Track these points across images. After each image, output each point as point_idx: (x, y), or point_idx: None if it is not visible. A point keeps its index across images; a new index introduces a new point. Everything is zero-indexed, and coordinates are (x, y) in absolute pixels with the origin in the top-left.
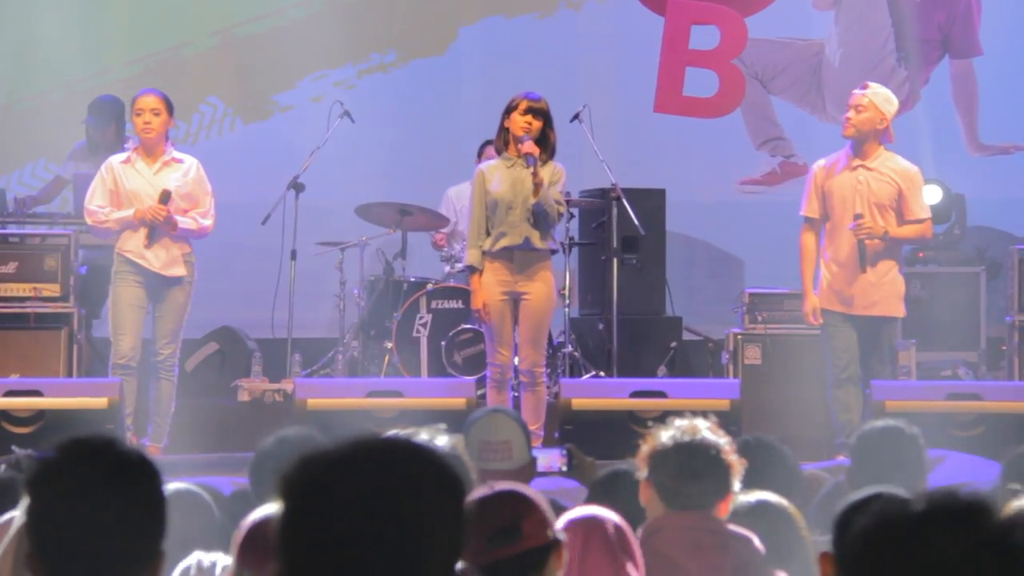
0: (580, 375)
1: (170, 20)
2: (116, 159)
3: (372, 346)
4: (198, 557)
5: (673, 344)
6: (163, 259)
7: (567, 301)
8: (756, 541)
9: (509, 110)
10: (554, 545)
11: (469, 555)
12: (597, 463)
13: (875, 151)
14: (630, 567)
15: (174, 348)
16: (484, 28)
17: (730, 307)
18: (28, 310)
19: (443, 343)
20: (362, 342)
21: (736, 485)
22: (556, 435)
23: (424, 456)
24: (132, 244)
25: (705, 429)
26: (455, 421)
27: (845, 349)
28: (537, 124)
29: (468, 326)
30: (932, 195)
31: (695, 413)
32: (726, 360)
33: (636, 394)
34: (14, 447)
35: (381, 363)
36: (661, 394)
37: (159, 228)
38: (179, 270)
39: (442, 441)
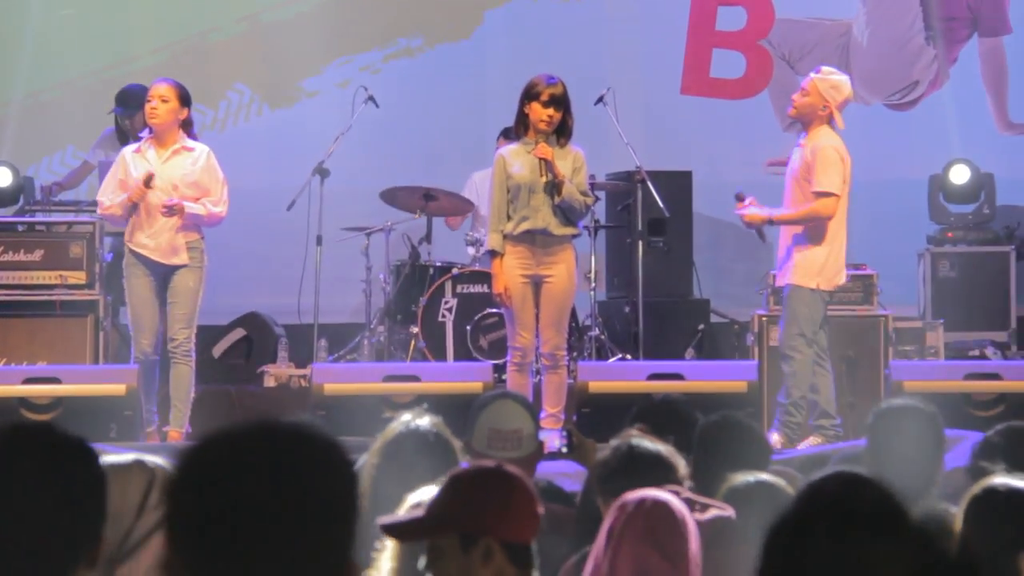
0: (607, 358)
1: (196, 7)
2: (129, 149)
3: (398, 331)
4: None
5: (701, 326)
6: (164, 248)
7: (593, 284)
8: (729, 509)
9: (529, 97)
10: None
11: (524, 534)
12: (600, 445)
13: (814, 132)
14: (658, 559)
15: (189, 333)
16: (510, 11)
17: (755, 289)
18: (54, 298)
19: (468, 327)
20: (388, 327)
21: (686, 483)
22: (574, 418)
23: (303, 435)
24: (137, 236)
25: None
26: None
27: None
28: (558, 116)
29: (493, 310)
30: (960, 174)
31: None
32: (751, 342)
33: (653, 376)
34: None
35: (407, 348)
36: (679, 376)
37: (158, 210)
38: (182, 258)
39: (424, 422)
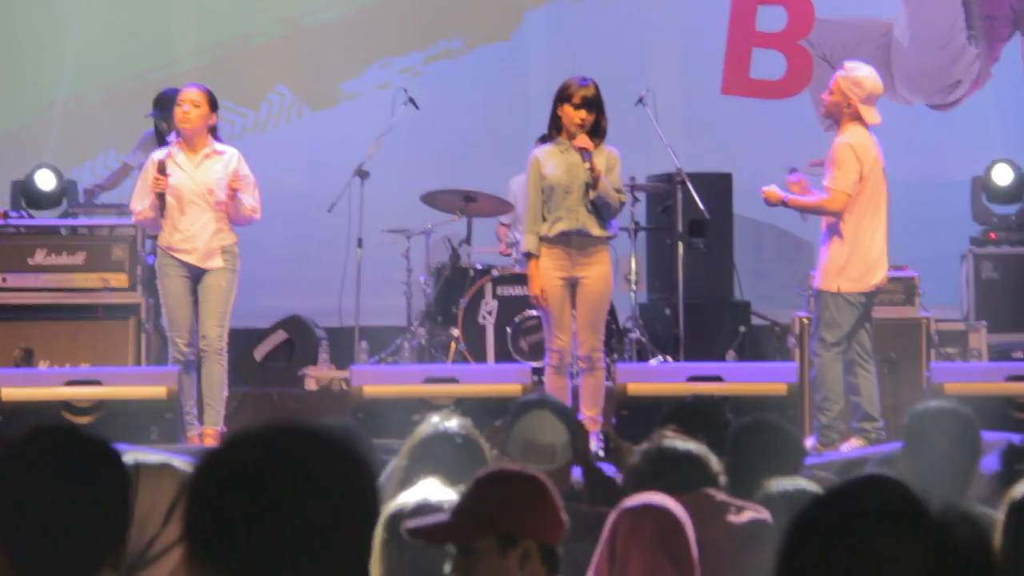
0: (648, 360)
1: (237, 10)
2: (158, 155)
3: (439, 333)
4: None
5: (742, 328)
6: (201, 252)
7: (634, 286)
8: (764, 512)
9: (562, 99)
10: None
11: (555, 537)
12: (636, 448)
13: (842, 129)
14: (669, 566)
15: (221, 331)
16: (549, 12)
17: (795, 290)
18: (97, 300)
19: (509, 329)
20: (429, 329)
21: (719, 478)
22: (613, 421)
23: (323, 441)
24: (173, 237)
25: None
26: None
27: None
28: (590, 118)
29: (534, 312)
30: (1003, 175)
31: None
32: (792, 344)
33: (693, 378)
34: None
35: (448, 350)
36: (718, 378)
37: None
38: (216, 262)
39: (453, 424)
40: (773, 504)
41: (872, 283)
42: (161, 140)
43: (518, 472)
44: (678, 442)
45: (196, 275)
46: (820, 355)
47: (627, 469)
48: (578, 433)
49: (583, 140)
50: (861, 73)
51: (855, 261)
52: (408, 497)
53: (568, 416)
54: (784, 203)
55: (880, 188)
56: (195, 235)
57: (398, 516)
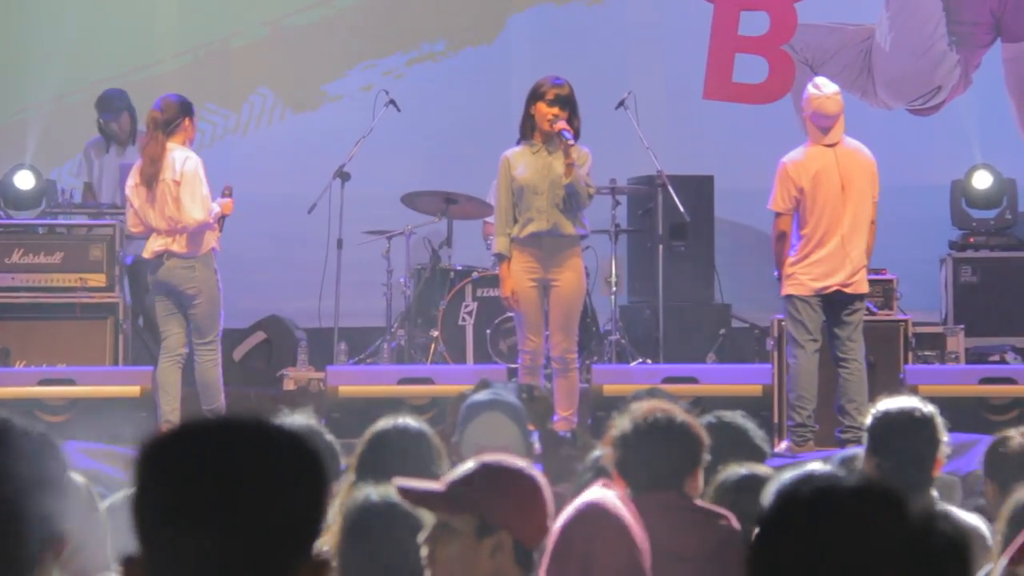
0: (628, 362)
1: (219, 11)
2: (195, 157)
3: (418, 334)
4: None
5: (722, 331)
6: None
7: (614, 288)
8: (734, 520)
9: (535, 97)
10: None
11: (535, 539)
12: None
13: None
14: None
15: None
16: (533, 16)
17: (776, 294)
18: (74, 300)
19: (488, 331)
20: (408, 330)
21: (705, 458)
22: (589, 422)
23: (270, 434)
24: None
25: (667, 407)
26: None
27: None
28: (563, 115)
29: (513, 314)
30: (983, 180)
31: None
32: (771, 346)
33: (668, 380)
34: None
35: (427, 351)
36: (693, 380)
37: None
38: None
39: (405, 420)
40: (726, 492)
41: (814, 287)
42: (108, 140)
43: (517, 468)
44: (677, 414)
45: None
46: (794, 355)
47: (618, 433)
48: (536, 404)
49: (563, 124)
50: (812, 91)
51: (801, 268)
52: (376, 492)
53: (521, 415)
54: None
55: (834, 199)
56: None
57: (363, 509)
